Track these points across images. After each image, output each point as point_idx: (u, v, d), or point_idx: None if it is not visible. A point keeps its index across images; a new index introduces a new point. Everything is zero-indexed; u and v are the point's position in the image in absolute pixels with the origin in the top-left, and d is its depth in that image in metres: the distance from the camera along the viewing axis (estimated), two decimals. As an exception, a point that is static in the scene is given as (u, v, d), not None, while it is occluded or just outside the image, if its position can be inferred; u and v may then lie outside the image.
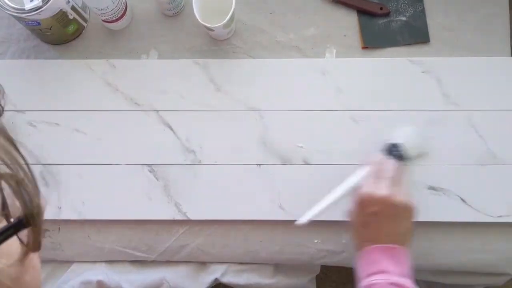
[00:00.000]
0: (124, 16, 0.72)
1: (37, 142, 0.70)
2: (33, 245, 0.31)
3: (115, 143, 0.70)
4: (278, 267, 0.71)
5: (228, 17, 0.66)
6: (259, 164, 0.69)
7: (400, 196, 0.55)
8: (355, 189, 0.58)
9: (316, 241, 0.68)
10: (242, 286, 0.70)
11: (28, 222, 0.30)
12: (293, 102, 0.71)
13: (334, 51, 0.73)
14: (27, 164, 0.31)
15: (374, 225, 0.56)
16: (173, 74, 0.72)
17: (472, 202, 0.67)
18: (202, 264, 0.71)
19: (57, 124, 0.71)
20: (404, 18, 0.74)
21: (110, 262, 0.70)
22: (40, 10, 0.65)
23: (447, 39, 0.73)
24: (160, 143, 0.70)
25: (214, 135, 0.70)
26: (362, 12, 0.74)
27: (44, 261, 0.70)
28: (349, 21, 0.74)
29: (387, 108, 0.70)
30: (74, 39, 0.75)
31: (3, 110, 0.33)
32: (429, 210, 0.67)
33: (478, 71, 0.71)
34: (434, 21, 0.74)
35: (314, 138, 0.70)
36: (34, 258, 0.33)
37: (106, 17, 0.70)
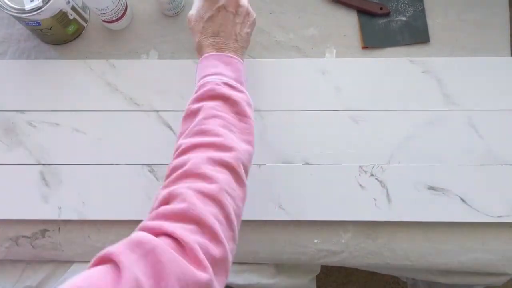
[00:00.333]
0: (124, 16, 0.72)
1: (37, 142, 0.70)
2: None
3: (115, 143, 0.70)
4: (278, 267, 0.71)
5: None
6: (259, 164, 0.69)
7: (245, 2, 0.60)
8: None
9: (316, 241, 0.68)
10: (242, 286, 0.70)
11: None
12: (293, 102, 0.71)
13: (334, 51, 0.73)
14: None
15: (219, 19, 0.58)
16: (173, 74, 0.72)
17: (472, 202, 0.67)
18: (202, 264, 0.70)
19: (57, 124, 0.71)
20: (404, 18, 0.74)
21: (110, 262, 0.70)
22: (40, 10, 0.65)
23: (447, 39, 0.73)
24: (160, 143, 0.70)
25: (214, 135, 0.70)
26: (362, 12, 0.74)
27: (44, 261, 0.70)
28: (349, 21, 0.74)
29: (387, 108, 0.70)
30: (74, 39, 0.75)
31: None
32: (429, 210, 0.67)
33: (478, 71, 0.71)
34: (434, 21, 0.74)
35: (314, 138, 0.70)
36: None
37: (106, 17, 0.70)
